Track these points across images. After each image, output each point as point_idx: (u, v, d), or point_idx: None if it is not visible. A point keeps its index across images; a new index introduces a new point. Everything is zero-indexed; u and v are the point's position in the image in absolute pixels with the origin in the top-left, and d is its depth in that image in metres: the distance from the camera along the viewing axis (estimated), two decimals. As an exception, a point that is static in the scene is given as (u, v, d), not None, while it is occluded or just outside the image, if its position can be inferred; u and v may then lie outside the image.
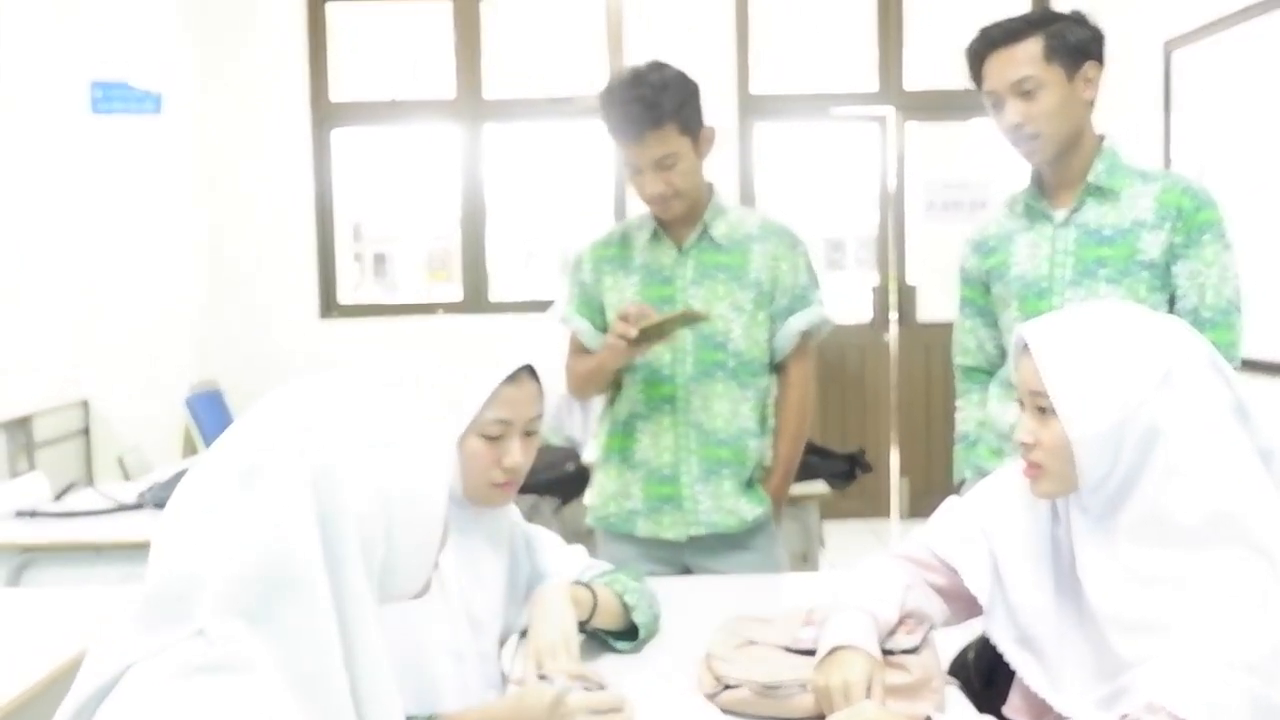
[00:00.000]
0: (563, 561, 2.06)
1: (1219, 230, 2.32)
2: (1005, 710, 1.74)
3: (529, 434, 1.86)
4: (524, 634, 1.93)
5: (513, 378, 1.82)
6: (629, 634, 2.01)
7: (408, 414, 1.24)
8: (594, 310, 2.72)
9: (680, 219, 2.65)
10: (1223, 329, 2.28)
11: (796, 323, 2.69)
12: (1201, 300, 2.30)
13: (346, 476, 1.14)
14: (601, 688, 1.73)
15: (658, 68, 2.55)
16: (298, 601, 1.09)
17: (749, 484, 2.67)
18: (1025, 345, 1.64)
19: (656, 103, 2.48)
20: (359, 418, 1.20)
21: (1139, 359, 1.56)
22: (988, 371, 2.58)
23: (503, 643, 1.96)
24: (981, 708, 1.73)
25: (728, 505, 2.63)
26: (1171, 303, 2.33)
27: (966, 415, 2.60)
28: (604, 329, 2.67)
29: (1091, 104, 2.37)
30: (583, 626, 1.90)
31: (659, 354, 2.62)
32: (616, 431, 2.72)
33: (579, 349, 2.74)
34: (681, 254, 2.66)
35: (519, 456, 1.83)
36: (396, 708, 1.18)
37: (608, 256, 2.72)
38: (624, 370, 2.66)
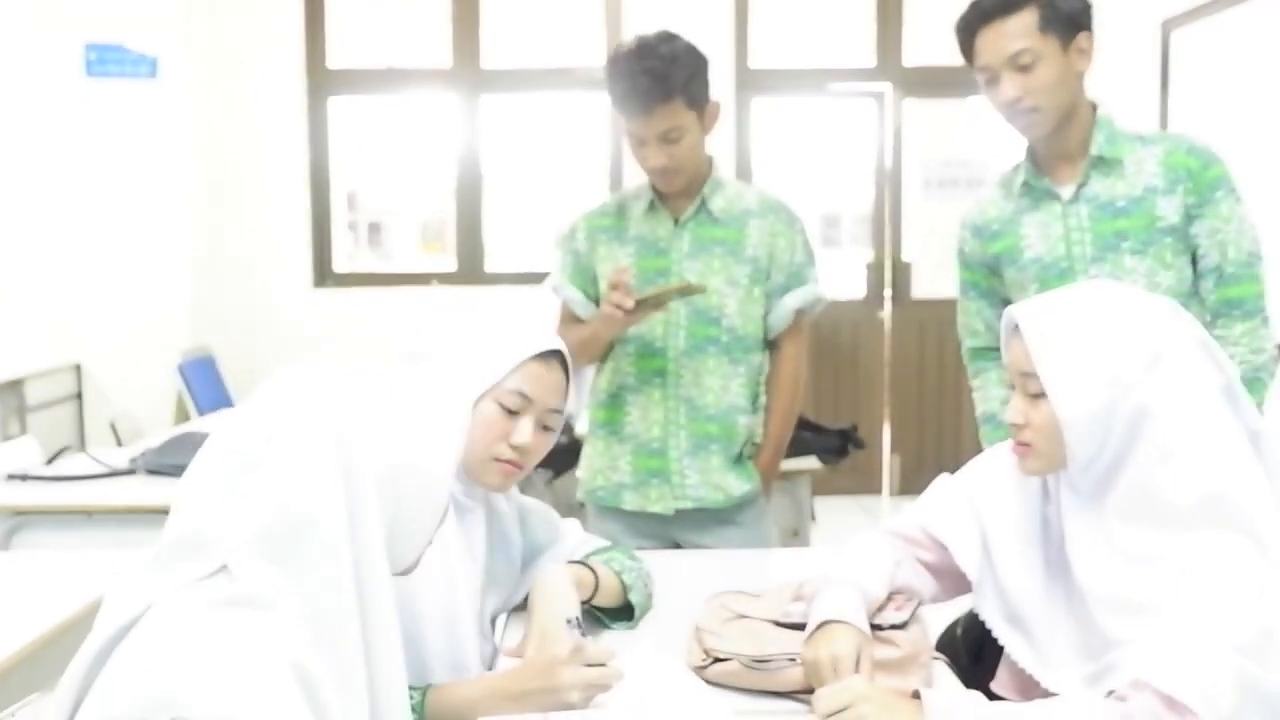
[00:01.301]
0: (558, 536, 2.06)
1: (1229, 185, 2.29)
2: (993, 686, 1.75)
3: (546, 428, 1.84)
4: (520, 607, 1.93)
5: (543, 357, 1.81)
6: (624, 613, 2.02)
7: (425, 393, 1.28)
8: (587, 280, 2.70)
9: (679, 191, 2.64)
10: (1248, 281, 2.27)
11: (792, 300, 2.68)
12: (1224, 257, 2.28)
13: (366, 443, 1.18)
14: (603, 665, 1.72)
15: (668, 39, 2.53)
16: (318, 549, 1.12)
17: (738, 460, 2.67)
18: (1016, 326, 1.65)
19: (666, 75, 2.46)
20: (378, 391, 1.23)
21: (1129, 341, 1.56)
22: (999, 349, 2.55)
23: (494, 618, 1.97)
24: (969, 684, 1.74)
25: (715, 480, 2.63)
26: (1194, 263, 2.31)
27: (988, 394, 2.55)
28: (596, 299, 2.66)
29: (1083, 75, 2.35)
30: (582, 605, 1.89)
31: (651, 327, 2.61)
32: (605, 404, 2.71)
33: (570, 318, 2.72)
34: (678, 226, 2.64)
35: (529, 438, 1.80)
36: (401, 664, 1.21)
37: (602, 226, 2.70)
38: (614, 342, 2.65)
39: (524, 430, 1.80)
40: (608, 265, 2.65)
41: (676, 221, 2.65)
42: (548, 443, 1.86)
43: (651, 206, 2.66)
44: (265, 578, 1.09)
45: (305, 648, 1.08)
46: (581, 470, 2.78)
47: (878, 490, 6.65)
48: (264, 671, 1.03)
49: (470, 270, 6.54)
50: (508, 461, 1.81)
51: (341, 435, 1.16)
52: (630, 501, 2.67)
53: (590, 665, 1.62)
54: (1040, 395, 1.60)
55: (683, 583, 2.16)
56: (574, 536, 2.09)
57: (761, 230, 2.65)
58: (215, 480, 1.15)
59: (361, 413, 1.19)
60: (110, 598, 1.13)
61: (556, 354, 1.84)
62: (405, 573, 1.31)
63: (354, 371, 1.24)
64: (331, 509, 1.13)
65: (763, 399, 2.72)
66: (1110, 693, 1.46)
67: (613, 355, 2.69)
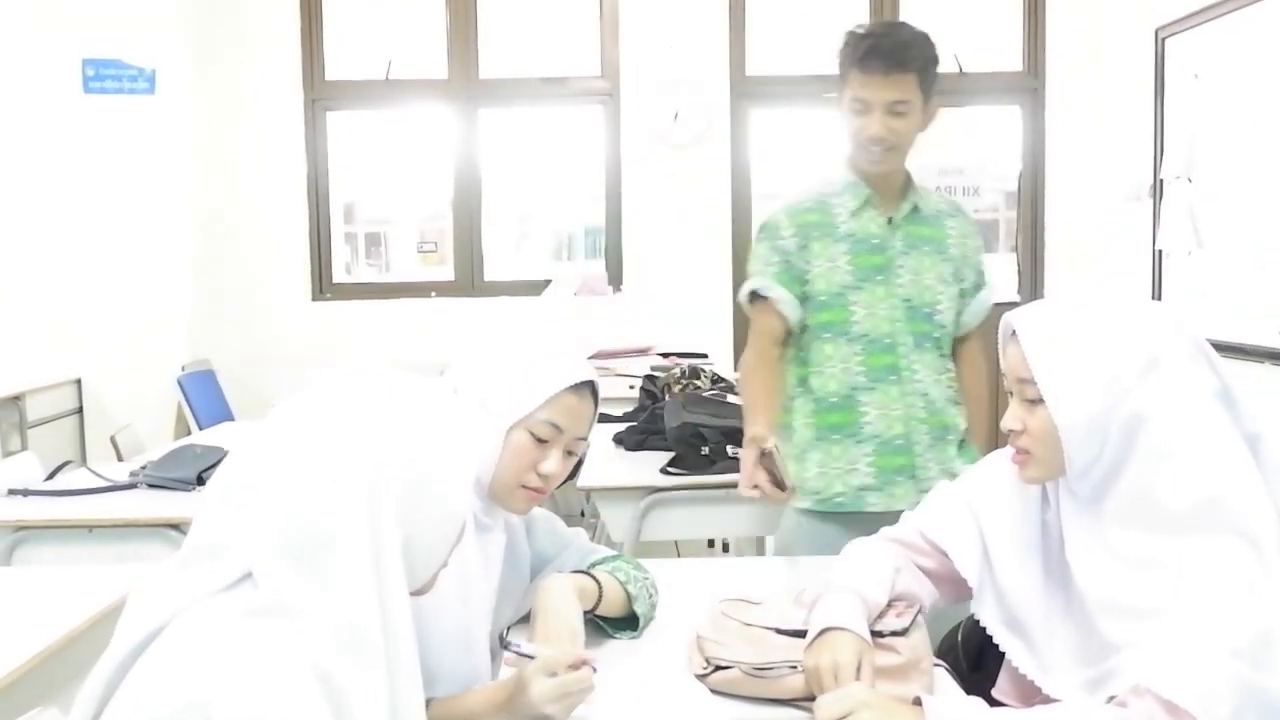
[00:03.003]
0: (564, 545, 2.06)
1: None
2: (994, 693, 1.75)
3: (570, 452, 1.85)
4: (524, 619, 1.93)
5: (576, 388, 1.81)
6: (629, 622, 2.01)
7: (448, 415, 1.29)
8: (794, 279, 2.65)
9: (888, 187, 2.66)
10: None
11: (987, 297, 2.76)
12: None
13: (390, 461, 1.19)
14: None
15: (909, 25, 2.61)
16: (342, 560, 1.13)
17: (963, 443, 2.70)
18: (1013, 332, 1.65)
19: (909, 45, 2.52)
20: (403, 409, 1.24)
21: (1125, 346, 1.57)
22: None
23: (500, 631, 1.96)
24: (970, 690, 1.74)
25: (951, 468, 2.61)
26: None
27: None
28: (803, 298, 2.65)
29: None
30: (586, 615, 1.89)
31: (877, 324, 2.61)
32: (838, 406, 2.64)
33: (770, 317, 2.66)
34: (891, 224, 2.66)
35: (557, 467, 1.82)
36: (418, 676, 1.23)
37: (811, 222, 2.66)
38: (835, 341, 2.63)
39: (554, 460, 1.81)
40: (823, 263, 2.63)
41: (889, 220, 2.66)
42: (570, 467, 1.87)
43: (867, 202, 2.65)
44: (290, 586, 1.10)
45: (330, 657, 1.09)
46: (807, 478, 2.67)
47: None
48: (289, 679, 1.05)
49: (468, 281, 6.55)
50: (534, 489, 1.82)
51: (369, 450, 1.18)
52: (876, 503, 2.61)
53: (556, 674, 1.60)
54: (1038, 401, 1.61)
55: (684, 590, 2.16)
56: (579, 545, 2.09)
57: (957, 230, 2.72)
58: (240, 492, 1.16)
59: (386, 430, 1.21)
60: (134, 604, 1.14)
61: (588, 383, 1.85)
62: (420, 593, 1.31)
63: (381, 387, 1.25)
64: (354, 524, 1.14)
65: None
66: (1111, 698, 1.47)
67: (834, 358, 2.64)
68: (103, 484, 3.27)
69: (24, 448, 5.09)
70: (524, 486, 1.81)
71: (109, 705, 1.07)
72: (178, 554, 1.16)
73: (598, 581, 1.94)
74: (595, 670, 1.67)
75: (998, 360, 1.73)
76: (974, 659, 1.94)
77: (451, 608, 1.70)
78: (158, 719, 1.01)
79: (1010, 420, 1.66)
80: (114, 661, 1.10)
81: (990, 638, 1.74)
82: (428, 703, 1.61)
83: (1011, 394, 1.68)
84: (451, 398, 1.31)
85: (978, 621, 1.78)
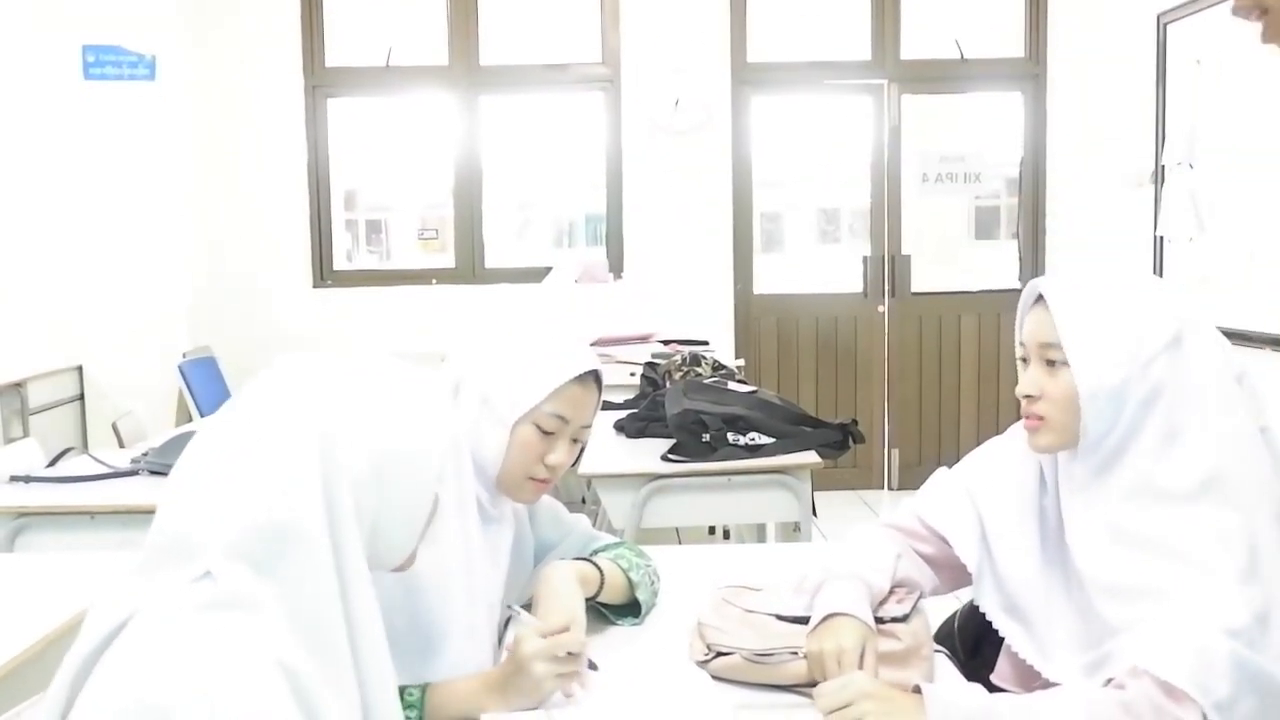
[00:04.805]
0: (566, 532, 2.06)
1: None
2: (993, 678, 1.76)
3: (575, 440, 1.85)
4: (525, 607, 1.93)
5: (580, 378, 1.81)
6: (630, 609, 2.02)
7: (411, 389, 1.28)
8: None
9: None
10: None
11: None
12: None
13: (346, 443, 1.18)
14: (595, 667, 1.71)
15: None
16: (301, 554, 1.12)
17: None
18: (1038, 297, 1.66)
19: None
20: (362, 390, 1.23)
21: (1151, 318, 1.58)
22: None
23: (504, 619, 1.97)
24: (968, 676, 1.75)
25: None
26: None
27: None
28: None
29: None
30: (588, 602, 1.89)
31: None
32: None
33: None
34: None
35: (564, 457, 1.82)
36: (389, 664, 1.22)
37: None
38: None
39: (560, 451, 1.82)
40: None
41: None
42: (575, 453, 1.88)
43: None
44: (249, 583, 1.09)
45: (294, 650, 1.08)
46: None
47: (876, 484, 6.66)
48: (251, 672, 1.04)
49: (469, 268, 6.55)
50: (541, 480, 1.83)
51: (324, 435, 1.17)
52: None
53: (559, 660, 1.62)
54: (1061, 365, 1.61)
55: (685, 577, 2.17)
56: (582, 532, 2.09)
57: None
58: (198, 484, 1.15)
59: (346, 410, 1.20)
60: (95, 605, 1.13)
61: (591, 372, 1.84)
62: (401, 569, 1.32)
63: (340, 367, 1.24)
64: (311, 514, 1.13)
65: None
66: (1109, 681, 1.47)
67: None
68: (104, 470, 3.28)
69: (25, 434, 5.09)
70: (531, 478, 1.82)
71: (74, 705, 1.07)
72: (137, 553, 1.15)
73: (599, 569, 1.94)
74: (596, 669, 1.68)
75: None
76: (971, 646, 1.94)
77: (456, 598, 1.71)
78: (122, 718, 1.00)
79: (1028, 385, 1.67)
80: (75, 662, 1.09)
81: (988, 624, 1.75)
82: (424, 687, 1.61)
83: (1025, 361, 1.68)
84: (416, 370, 1.30)
85: (975, 608, 1.78)
